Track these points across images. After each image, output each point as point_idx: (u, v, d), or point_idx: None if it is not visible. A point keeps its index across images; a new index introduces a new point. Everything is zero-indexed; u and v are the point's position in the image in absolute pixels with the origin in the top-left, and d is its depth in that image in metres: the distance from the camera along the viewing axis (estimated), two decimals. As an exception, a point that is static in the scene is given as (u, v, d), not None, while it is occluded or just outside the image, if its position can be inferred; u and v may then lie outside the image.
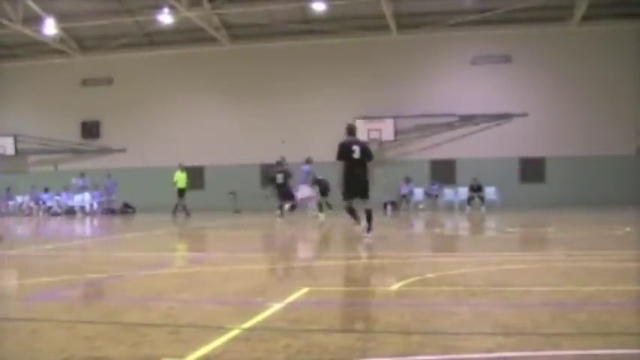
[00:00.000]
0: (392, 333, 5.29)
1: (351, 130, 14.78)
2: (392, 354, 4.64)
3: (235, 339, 5.10)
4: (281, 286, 8.46)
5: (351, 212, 14.50)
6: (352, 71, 35.55)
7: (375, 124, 34.34)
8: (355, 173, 14.18)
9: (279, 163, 24.35)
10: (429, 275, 8.69)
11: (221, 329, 5.35)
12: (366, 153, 14.34)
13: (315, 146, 34.36)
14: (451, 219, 25.18)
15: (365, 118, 34.29)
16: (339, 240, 16.62)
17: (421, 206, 32.73)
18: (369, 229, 14.04)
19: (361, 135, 34.08)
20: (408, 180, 33.14)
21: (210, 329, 5.49)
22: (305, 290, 7.45)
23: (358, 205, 14.51)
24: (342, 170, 14.14)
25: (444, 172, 34.26)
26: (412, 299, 7.19)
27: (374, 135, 34.21)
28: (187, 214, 28.94)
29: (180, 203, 29.22)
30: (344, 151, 14.17)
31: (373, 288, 8.25)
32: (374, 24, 34.07)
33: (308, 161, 25.87)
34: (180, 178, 29.49)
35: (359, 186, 14.26)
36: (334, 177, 14.80)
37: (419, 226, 22.08)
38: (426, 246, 15.13)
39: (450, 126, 34.67)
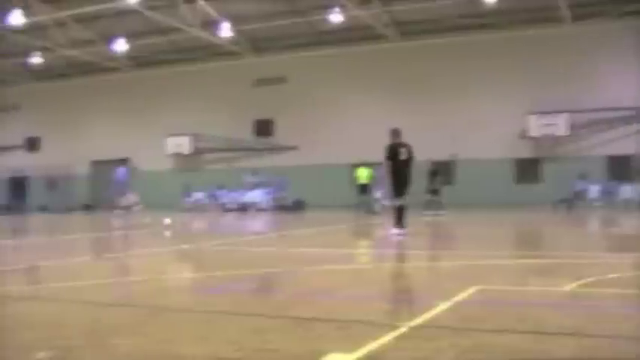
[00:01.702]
0: (564, 335, 5.09)
1: (396, 134, 15.57)
2: (564, 357, 4.48)
3: (402, 336, 5.06)
4: (449, 284, 8.35)
5: (400, 212, 15.24)
6: (523, 65, 34.56)
7: (549, 119, 33.31)
8: (402, 173, 15.20)
9: None
10: (604, 276, 8.32)
11: (388, 326, 5.34)
12: (411, 154, 15.33)
13: (485, 144, 33.86)
14: (629, 217, 24.02)
15: (537, 113, 33.37)
16: (510, 238, 16.27)
17: (597, 204, 31.41)
18: (403, 226, 15.04)
19: (533, 131, 33.55)
20: (582, 176, 31.90)
21: (378, 326, 5.49)
22: (474, 289, 7.31)
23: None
24: (390, 171, 15.13)
25: (620, 168, 32.71)
26: (586, 301, 6.91)
27: (547, 130, 33.24)
28: (372, 211, 28.97)
29: (364, 200, 29.35)
30: (392, 153, 15.21)
31: (545, 288, 7.99)
32: (546, 16, 33.05)
33: None
34: (363, 174, 29.64)
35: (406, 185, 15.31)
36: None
37: (594, 224, 21.22)
38: (602, 245, 14.50)
39: (626, 120, 33.04)
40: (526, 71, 34.55)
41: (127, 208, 21.39)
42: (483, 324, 5.51)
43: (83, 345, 5.08)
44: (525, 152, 34.30)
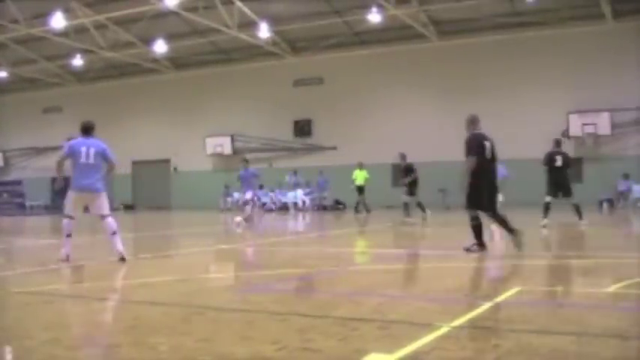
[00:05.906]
0: (607, 337, 5.06)
1: (475, 121, 12.14)
2: (606, 359, 4.45)
3: (444, 337, 5.07)
4: (491, 285, 8.32)
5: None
6: (564, 64, 34.00)
7: (590, 118, 32.87)
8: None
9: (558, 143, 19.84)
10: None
11: (430, 326, 5.34)
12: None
13: (527, 143, 33.49)
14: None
15: (578, 112, 32.97)
16: (552, 239, 16.15)
17: (640, 204, 30.96)
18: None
19: (575, 130, 33.12)
20: (626, 176, 31.52)
21: (419, 326, 5.50)
22: (516, 289, 7.29)
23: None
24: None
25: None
26: (630, 302, 6.85)
27: (588, 129, 32.80)
28: (367, 210, 29.41)
29: (361, 200, 29.77)
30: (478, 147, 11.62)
31: (587, 289, 7.92)
32: (587, 13, 32.57)
33: None
34: (359, 176, 29.95)
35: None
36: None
37: (637, 224, 20.95)
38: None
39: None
40: (567, 70, 34.03)
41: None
42: (526, 325, 5.50)
43: (124, 343, 5.17)
44: (567, 152, 33.77)
